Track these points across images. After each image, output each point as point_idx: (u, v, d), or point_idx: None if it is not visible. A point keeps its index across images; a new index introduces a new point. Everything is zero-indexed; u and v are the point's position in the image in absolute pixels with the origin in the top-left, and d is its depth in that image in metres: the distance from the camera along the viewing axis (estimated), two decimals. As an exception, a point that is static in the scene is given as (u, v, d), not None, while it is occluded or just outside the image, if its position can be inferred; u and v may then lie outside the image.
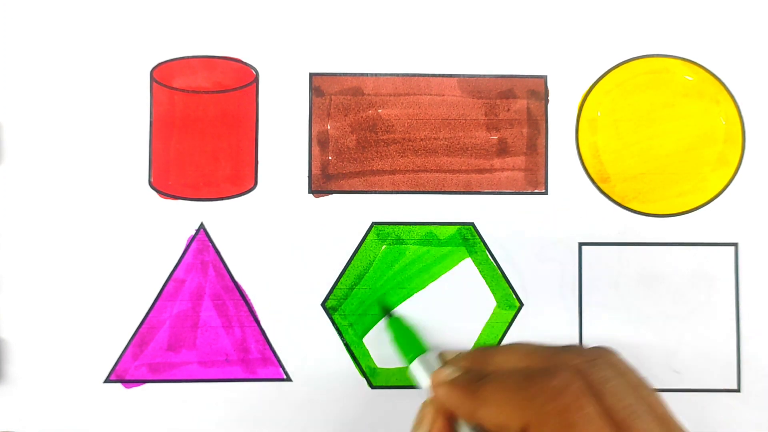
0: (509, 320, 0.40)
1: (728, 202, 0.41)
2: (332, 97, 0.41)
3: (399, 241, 0.40)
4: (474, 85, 0.41)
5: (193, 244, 0.40)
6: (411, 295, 0.40)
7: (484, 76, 0.41)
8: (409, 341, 0.37)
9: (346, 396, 0.40)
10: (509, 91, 0.41)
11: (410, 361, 0.36)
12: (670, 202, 0.41)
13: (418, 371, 0.35)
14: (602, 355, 0.31)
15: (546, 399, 0.28)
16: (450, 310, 0.40)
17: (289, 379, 0.40)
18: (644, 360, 0.40)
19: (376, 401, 0.40)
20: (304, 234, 0.40)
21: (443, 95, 0.41)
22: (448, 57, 0.41)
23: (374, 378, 0.40)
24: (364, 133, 0.41)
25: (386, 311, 0.39)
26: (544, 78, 0.41)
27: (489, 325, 0.40)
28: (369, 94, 0.41)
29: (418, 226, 0.41)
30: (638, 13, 0.42)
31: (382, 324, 0.40)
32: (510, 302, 0.40)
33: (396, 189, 0.41)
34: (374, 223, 0.41)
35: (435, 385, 0.33)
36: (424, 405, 0.34)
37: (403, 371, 0.40)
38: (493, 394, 0.30)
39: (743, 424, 0.40)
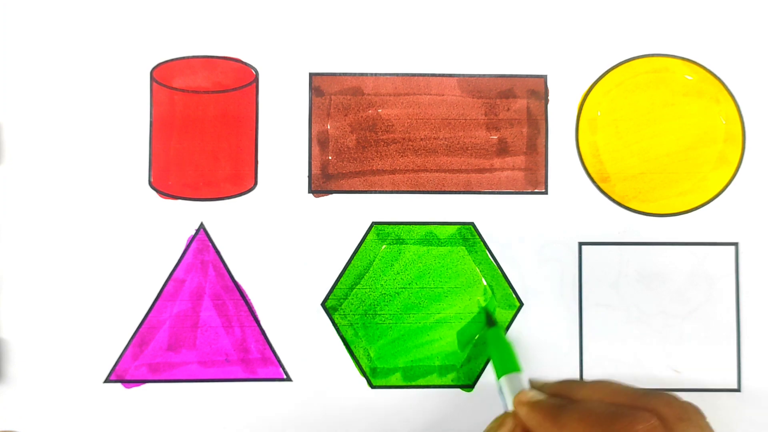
0: (509, 320, 0.40)
1: (728, 201, 0.41)
2: (332, 96, 0.41)
3: (399, 240, 0.40)
4: (474, 85, 0.41)
5: (193, 244, 0.40)
6: (410, 295, 0.40)
7: (484, 75, 0.41)
8: (503, 356, 0.37)
9: (346, 396, 0.40)
10: (509, 90, 0.41)
11: (500, 376, 0.36)
12: (670, 201, 0.41)
13: (505, 387, 0.36)
14: (691, 414, 0.31)
15: None
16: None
17: (289, 379, 0.40)
18: (644, 360, 0.40)
19: (376, 401, 0.40)
20: (304, 234, 0.40)
21: (443, 95, 0.41)
22: (448, 57, 0.41)
23: (374, 378, 0.40)
24: (364, 132, 0.41)
25: (490, 319, 0.40)
26: (544, 78, 0.41)
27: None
28: (369, 94, 0.41)
29: (418, 226, 0.41)
30: (638, 13, 0.42)
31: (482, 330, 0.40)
32: (510, 302, 0.40)
33: (396, 189, 0.41)
34: (374, 223, 0.41)
35: (518, 404, 0.34)
36: (505, 416, 0.35)
37: (403, 371, 0.40)
38: (572, 423, 0.30)
39: (743, 424, 0.40)
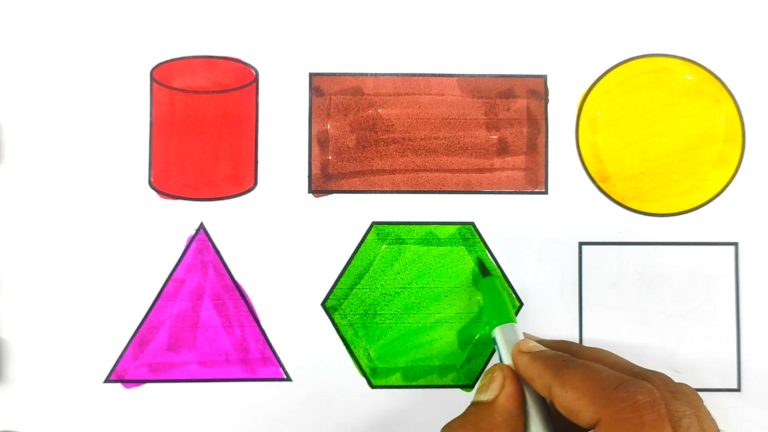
0: (509, 320, 0.40)
1: (728, 201, 0.41)
2: (332, 96, 0.41)
3: (399, 240, 0.40)
4: (474, 85, 0.41)
5: (193, 244, 0.40)
6: (410, 295, 0.40)
7: (484, 75, 0.41)
8: (498, 306, 0.37)
9: (346, 396, 0.40)
10: (509, 90, 0.41)
11: (495, 326, 0.36)
12: (670, 201, 0.41)
13: (500, 339, 0.35)
14: (686, 392, 0.31)
15: (628, 407, 0.28)
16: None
17: (289, 379, 0.40)
18: (644, 360, 0.40)
19: (376, 401, 0.40)
20: (304, 234, 0.40)
21: (443, 95, 0.41)
22: (448, 57, 0.41)
23: (374, 378, 0.40)
24: (364, 132, 0.41)
25: (484, 268, 0.39)
26: (543, 77, 0.41)
27: (489, 324, 0.40)
28: (369, 94, 0.41)
29: (418, 226, 0.41)
30: (638, 13, 0.42)
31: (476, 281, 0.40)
32: (510, 302, 0.40)
33: (396, 189, 0.41)
34: (374, 223, 0.41)
35: (519, 353, 0.34)
36: (494, 368, 0.34)
37: (403, 371, 0.40)
38: (576, 379, 0.30)
39: (743, 423, 0.40)
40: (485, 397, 0.33)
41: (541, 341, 0.37)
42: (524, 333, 0.36)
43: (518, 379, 0.33)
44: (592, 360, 0.32)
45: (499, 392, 0.33)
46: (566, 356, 0.32)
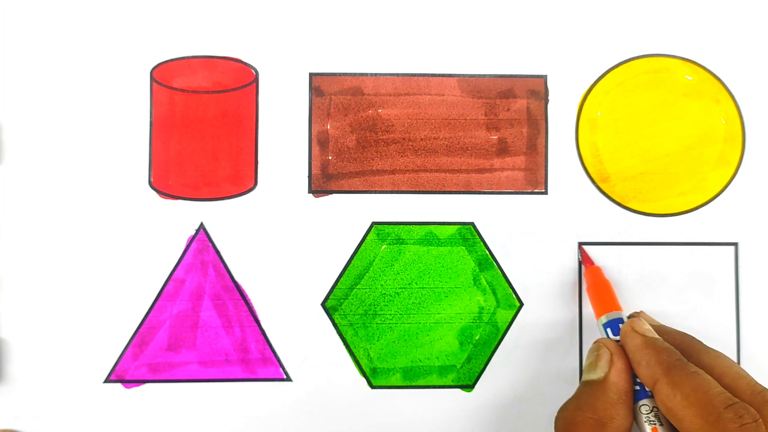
0: (509, 320, 0.40)
1: (728, 201, 0.41)
2: (332, 96, 0.41)
3: (399, 240, 0.40)
4: (474, 85, 0.41)
5: (193, 244, 0.40)
6: (410, 296, 0.40)
7: (484, 75, 0.41)
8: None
9: (346, 396, 0.40)
10: (509, 90, 0.41)
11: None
12: (670, 201, 0.41)
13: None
14: None
15: (734, 429, 0.28)
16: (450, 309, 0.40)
17: (289, 379, 0.40)
18: (644, 360, 0.40)
19: (376, 401, 0.40)
20: (304, 234, 0.40)
21: (443, 95, 0.41)
22: (448, 57, 0.41)
23: (374, 378, 0.40)
24: (364, 132, 0.41)
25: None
26: (544, 78, 0.41)
27: (489, 324, 0.40)
28: (369, 94, 0.41)
29: (418, 226, 0.41)
30: (638, 13, 0.42)
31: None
32: (510, 302, 0.40)
33: (396, 189, 0.41)
34: (374, 223, 0.41)
35: (631, 330, 0.34)
36: (598, 344, 0.34)
37: (403, 371, 0.40)
38: (687, 386, 0.30)
39: (743, 423, 0.40)
40: (595, 375, 0.33)
41: (659, 327, 0.36)
42: (642, 313, 0.37)
43: (624, 353, 0.33)
44: (713, 367, 0.32)
45: (609, 369, 0.33)
46: (679, 355, 0.32)
